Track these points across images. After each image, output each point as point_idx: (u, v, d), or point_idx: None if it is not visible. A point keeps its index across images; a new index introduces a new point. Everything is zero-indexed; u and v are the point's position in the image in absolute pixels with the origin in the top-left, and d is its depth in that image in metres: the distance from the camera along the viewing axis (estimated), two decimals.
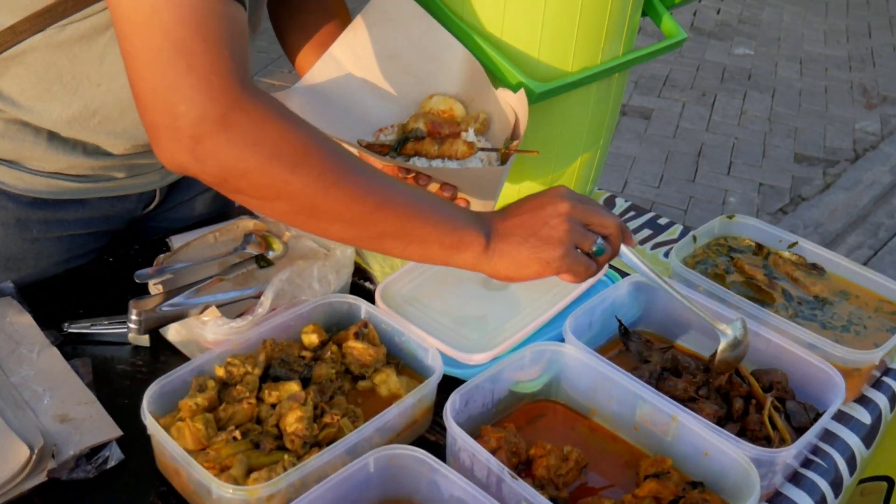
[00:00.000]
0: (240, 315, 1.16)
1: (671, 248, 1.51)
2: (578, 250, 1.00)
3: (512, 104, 1.16)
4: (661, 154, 4.20)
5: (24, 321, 1.20)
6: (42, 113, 1.17)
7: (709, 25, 5.75)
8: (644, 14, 1.47)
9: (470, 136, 1.17)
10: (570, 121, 1.40)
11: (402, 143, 1.18)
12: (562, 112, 1.37)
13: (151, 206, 1.42)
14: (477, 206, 1.16)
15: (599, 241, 1.01)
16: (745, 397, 1.16)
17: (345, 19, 1.32)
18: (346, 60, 1.19)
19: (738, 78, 5.05)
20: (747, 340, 1.12)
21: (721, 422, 1.09)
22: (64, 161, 1.24)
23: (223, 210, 1.54)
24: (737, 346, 1.11)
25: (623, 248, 1.05)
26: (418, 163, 1.15)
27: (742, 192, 3.94)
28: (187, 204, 1.49)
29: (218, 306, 1.13)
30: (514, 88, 1.26)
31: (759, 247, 1.43)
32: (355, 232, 0.95)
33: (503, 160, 1.17)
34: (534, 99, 1.27)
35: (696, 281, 1.29)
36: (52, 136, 1.21)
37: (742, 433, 1.10)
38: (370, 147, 1.17)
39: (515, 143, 1.16)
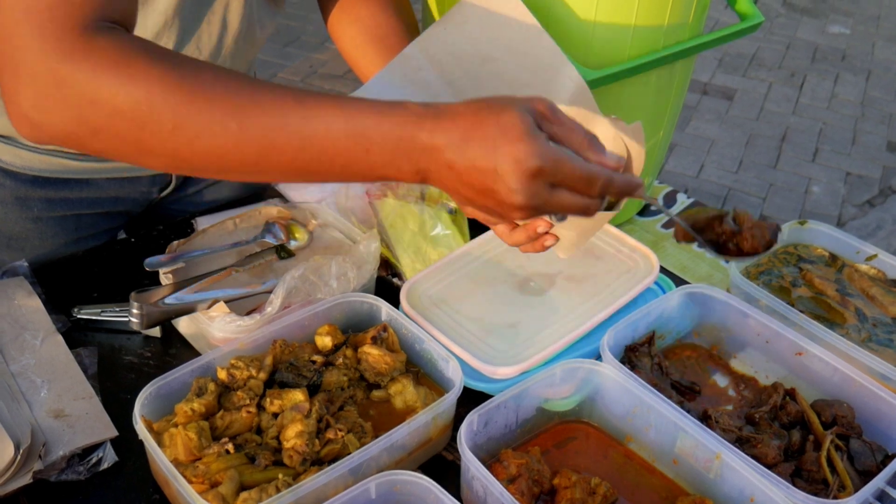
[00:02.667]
0: (250, 312, 1.08)
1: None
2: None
3: (624, 136, 0.98)
4: (743, 137, 3.99)
5: (32, 304, 1.14)
6: None
7: (802, 2, 5.44)
8: None
9: None
10: (627, 111, 1.28)
11: None
12: (617, 100, 1.25)
13: (169, 190, 1.36)
14: (566, 245, 0.96)
15: (554, 218, 0.90)
16: (803, 429, 1.03)
17: (408, 17, 1.23)
18: (429, 59, 1.02)
19: (831, 58, 4.76)
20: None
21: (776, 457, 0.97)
22: None
23: (256, 192, 1.46)
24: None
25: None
26: None
27: (827, 182, 3.71)
28: (213, 187, 1.42)
29: (226, 301, 1.06)
30: None
31: (833, 257, 1.29)
32: (251, 178, 0.84)
33: (611, 203, 0.96)
34: None
35: (757, 294, 1.16)
36: None
37: (797, 473, 0.98)
38: None
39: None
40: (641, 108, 1.29)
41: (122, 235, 1.43)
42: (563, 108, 1.00)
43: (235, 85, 0.79)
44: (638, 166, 0.94)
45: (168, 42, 1.09)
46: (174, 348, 1.14)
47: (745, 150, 3.89)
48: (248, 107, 0.78)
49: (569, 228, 0.93)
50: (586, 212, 0.83)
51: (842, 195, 3.64)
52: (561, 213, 0.84)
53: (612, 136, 0.96)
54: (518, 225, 0.94)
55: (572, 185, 0.80)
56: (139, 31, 1.05)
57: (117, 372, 1.10)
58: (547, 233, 0.93)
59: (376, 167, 0.80)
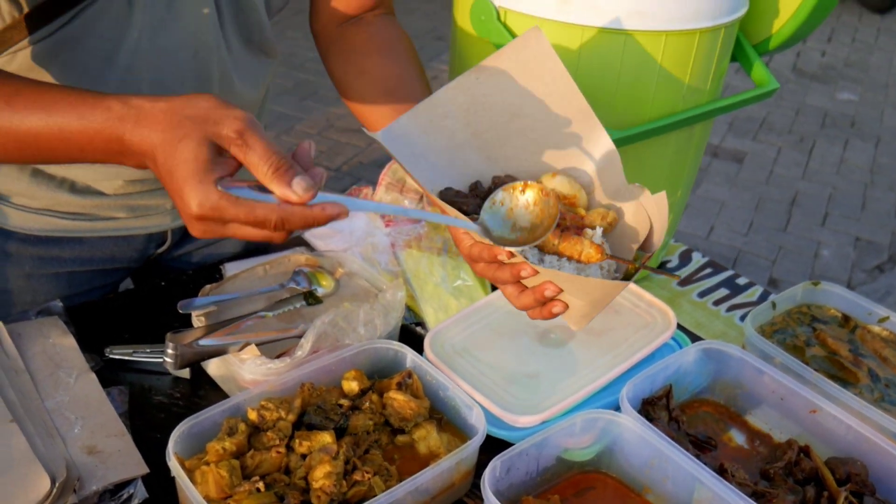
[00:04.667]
0: (280, 355, 1.11)
1: (748, 312, 1.41)
2: None
3: (646, 206, 0.96)
4: (752, 200, 4.04)
5: (66, 343, 1.17)
6: None
7: (812, 68, 5.54)
8: (733, 59, 1.38)
9: (597, 236, 0.96)
10: (647, 170, 1.32)
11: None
12: (638, 160, 1.29)
13: (164, 248, 1.37)
14: (577, 316, 0.95)
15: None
16: (817, 486, 1.05)
17: (418, 70, 1.20)
18: (457, 107, 0.99)
19: (840, 124, 4.84)
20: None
21: None
22: (50, 198, 1.21)
23: (264, 246, 1.49)
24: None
25: None
26: (530, 256, 0.94)
27: (837, 246, 3.74)
28: (212, 245, 1.44)
29: (257, 344, 1.09)
30: None
31: (846, 318, 1.32)
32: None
33: (627, 274, 0.96)
34: None
35: (772, 353, 1.19)
36: (36, 172, 1.18)
37: None
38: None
39: (648, 256, 0.95)
40: (660, 168, 1.33)
41: (129, 286, 1.47)
42: (590, 173, 1.01)
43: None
44: (659, 236, 0.94)
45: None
46: (203, 390, 1.17)
47: (755, 213, 3.94)
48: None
49: (577, 297, 0.92)
50: (271, 240, 0.82)
51: (851, 260, 3.67)
52: (244, 239, 0.83)
53: (634, 205, 0.98)
54: (526, 287, 0.93)
55: (245, 223, 0.79)
56: (104, 88, 1.04)
57: (147, 411, 1.13)
58: (555, 298, 0.92)
59: (99, 159, 0.85)
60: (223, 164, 0.79)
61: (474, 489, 1.07)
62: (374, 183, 1.49)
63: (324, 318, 1.09)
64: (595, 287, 0.90)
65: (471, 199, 0.98)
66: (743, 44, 1.39)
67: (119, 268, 1.38)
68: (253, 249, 1.47)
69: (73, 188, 1.21)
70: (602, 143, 1.01)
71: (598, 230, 0.96)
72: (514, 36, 1.21)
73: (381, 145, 0.93)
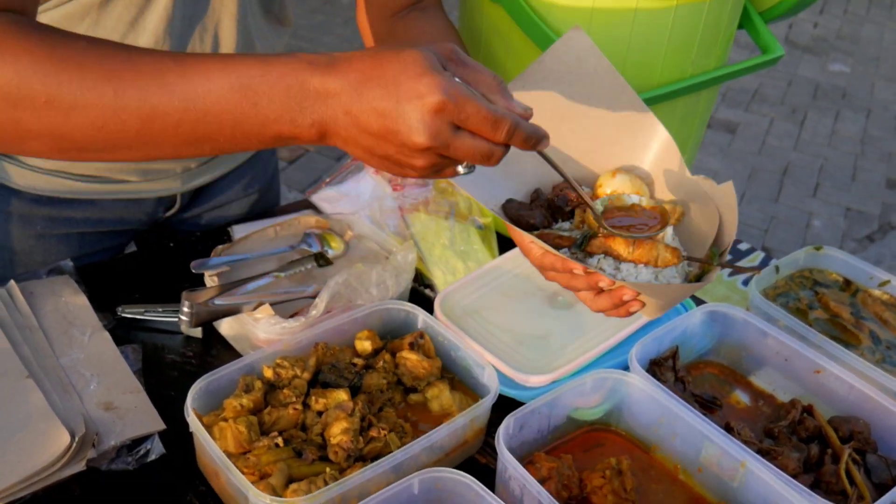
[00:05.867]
0: (293, 315, 1.13)
1: (751, 277, 1.43)
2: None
3: (716, 198, 0.93)
4: (745, 170, 4.06)
5: (79, 302, 1.18)
6: None
7: (804, 39, 5.54)
8: (740, 26, 1.39)
9: (669, 236, 0.93)
10: None
11: (588, 239, 0.94)
12: None
13: (174, 210, 1.38)
14: (651, 309, 0.93)
15: (462, 169, 0.81)
16: (821, 444, 1.08)
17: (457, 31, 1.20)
18: None
19: (832, 96, 4.85)
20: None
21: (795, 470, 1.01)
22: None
23: (270, 210, 1.51)
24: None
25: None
26: (606, 267, 0.92)
27: (828, 216, 3.78)
28: (220, 209, 1.44)
29: (271, 304, 1.10)
30: None
31: (847, 282, 1.34)
32: (142, 153, 0.79)
33: (702, 271, 0.94)
34: None
35: (776, 315, 1.21)
36: None
37: (816, 484, 1.02)
38: (544, 237, 0.95)
39: (725, 251, 0.92)
40: None
41: (132, 249, 1.47)
42: (648, 167, 1.00)
43: (110, 51, 0.76)
44: (731, 230, 0.91)
45: None
46: (215, 349, 1.18)
47: (748, 184, 3.96)
48: (123, 71, 0.74)
49: (654, 298, 0.91)
50: (489, 159, 0.78)
51: (842, 230, 3.70)
52: (463, 159, 0.78)
53: (700, 197, 0.95)
54: (601, 290, 0.91)
55: (476, 127, 0.75)
56: None
57: (161, 369, 1.14)
58: (634, 300, 0.91)
59: (268, 122, 0.75)
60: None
61: (485, 447, 1.09)
62: None
63: (337, 279, 1.10)
64: (672, 291, 0.91)
65: (535, 211, 0.98)
66: (749, 11, 1.39)
67: (128, 229, 1.38)
68: (258, 213, 1.48)
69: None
70: (659, 135, 0.99)
71: (670, 230, 0.94)
72: (525, 4, 1.22)
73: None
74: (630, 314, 0.93)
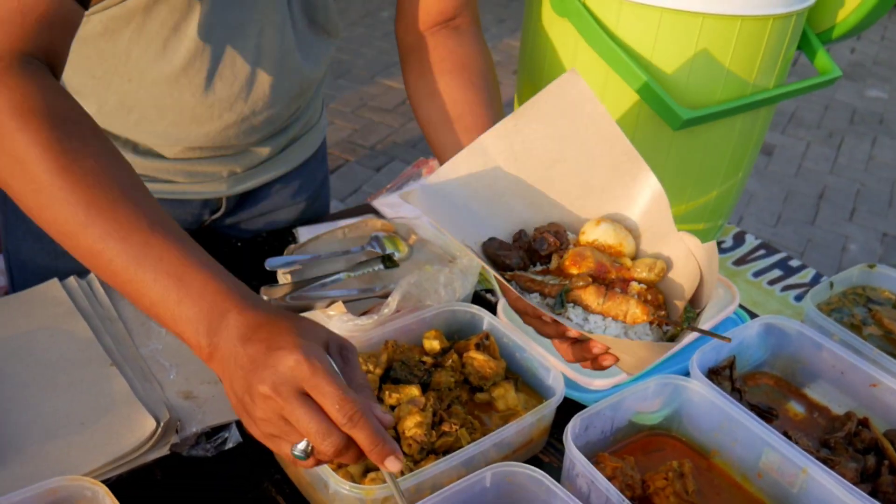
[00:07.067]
0: (363, 313, 1.16)
1: (802, 292, 1.46)
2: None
3: (697, 255, 0.90)
4: (781, 193, 4.07)
5: None
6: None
7: (842, 64, 5.55)
8: (798, 48, 1.42)
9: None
10: (711, 151, 1.37)
11: (567, 293, 0.92)
12: (704, 141, 1.34)
13: (218, 214, 1.41)
14: (628, 366, 0.93)
15: (301, 445, 0.75)
16: (877, 455, 1.10)
17: (490, 94, 1.16)
18: (497, 154, 0.97)
19: (869, 121, 4.86)
20: None
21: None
22: None
23: (319, 216, 1.53)
24: None
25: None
26: (573, 317, 0.91)
27: (864, 241, 3.78)
28: (266, 215, 1.47)
29: (344, 302, 1.14)
30: (660, 112, 1.24)
31: None
32: (96, 272, 0.84)
33: (672, 336, 0.92)
34: (678, 125, 1.24)
35: (832, 329, 1.23)
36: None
37: (873, 494, 1.04)
38: (517, 279, 0.94)
39: (699, 313, 0.91)
40: (725, 149, 1.37)
41: None
42: (636, 218, 0.98)
43: (106, 182, 0.81)
44: (710, 289, 0.90)
45: (201, 68, 1.14)
46: None
47: (784, 206, 3.97)
48: (101, 211, 0.80)
49: (625, 354, 0.90)
50: (324, 439, 0.73)
51: (878, 255, 3.70)
52: (299, 428, 0.73)
53: (683, 254, 0.93)
54: (577, 341, 0.92)
55: (322, 398, 0.72)
56: (173, 58, 1.12)
57: None
58: (606, 354, 0.91)
59: (180, 321, 0.79)
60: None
61: (547, 447, 1.12)
62: (408, 162, 1.53)
63: (409, 279, 1.14)
64: (639, 347, 0.88)
65: (514, 252, 0.96)
66: (807, 32, 1.42)
67: None
68: (305, 221, 1.50)
69: (136, 149, 1.25)
70: (649, 186, 0.97)
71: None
72: (592, 16, 1.26)
73: (417, 202, 0.92)
74: (604, 368, 0.92)
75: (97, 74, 1.16)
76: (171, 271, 0.79)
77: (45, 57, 0.88)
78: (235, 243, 1.42)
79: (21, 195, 0.83)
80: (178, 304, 0.78)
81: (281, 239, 1.43)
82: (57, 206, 0.81)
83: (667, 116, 1.24)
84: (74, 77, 1.17)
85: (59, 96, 0.85)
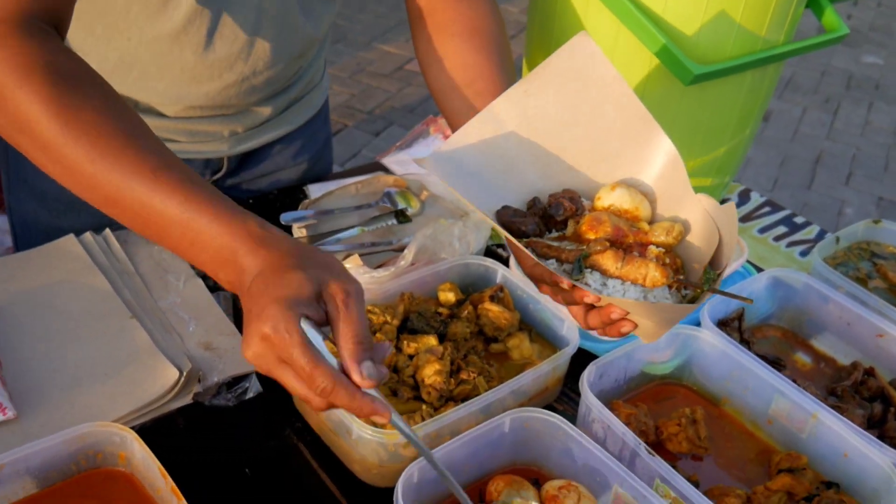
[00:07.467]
0: (379, 266, 1.18)
1: (808, 248, 1.48)
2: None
3: (715, 216, 0.89)
4: (778, 157, 4.08)
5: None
6: None
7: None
8: (806, 6, 1.43)
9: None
10: (720, 108, 1.38)
11: (585, 258, 0.89)
12: (714, 98, 1.35)
13: (220, 175, 1.41)
14: (648, 332, 0.91)
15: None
16: (883, 403, 1.13)
17: (502, 57, 1.14)
18: (509, 121, 0.95)
19: (865, 87, 4.86)
20: None
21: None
22: None
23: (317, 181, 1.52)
24: None
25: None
26: (591, 282, 0.89)
27: (860, 205, 3.80)
28: (266, 177, 1.47)
29: (360, 255, 1.15)
30: (672, 67, 1.25)
31: None
32: (113, 217, 0.86)
33: (695, 295, 0.90)
34: (690, 80, 1.25)
35: (838, 281, 1.25)
36: None
37: (880, 439, 1.07)
38: (533, 245, 0.91)
39: (719, 274, 0.88)
40: (734, 106, 1.38)
41: None
42: (652, 182, 0.95)
43: (108, 131, 0.82)
44: (730, 250, 0.88)
45: (201, 26, 1.14)
46: None
47: (780, 170, 3.99)
48: (107, 159, 0.82)
49: (645, 318, 0.88)
50: (305, 399, 0.76)
51: (873, 218, 3.72)
52: (284, 384, 0.76)
53: (701, 217, 0.91)
54: (594, 306, 0.90)
55: (295, 370, 0.74)
56: (173, 15, 1.11)
57: None
58: (624, 319, 0.89)
59: (197, 262, 0.82)
60: (315, 309, 0.76)
61: (561, 396, 1.14)
62: (406, 127, 1.53)
63: (425, 232, 1.16)
64: (660, 310, 0.86)
65: (529, 219, 0.94)
66: None
67: None
68: (309, 182, 1.50)
69: (137, 108, 1.25)
70: (664, 149, 0.95)
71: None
72: None
73: (432, 169, 0.91)
74: (623, 335, 0.90)
75: (97, 32, 1.16)
76: (176, 218, 0.81)
77: (48, 18, 0.89)
78: (247, 200, 1.42)
79: (29, 152, 0.85)
80: (192, 247, 0.81)
81: (292, 196, 1.44)
82: (63, 161, 0.83)
83: (678, 71, 1.24)
84: (75, 35, 1.17)
85: (61, 53, 0.86)
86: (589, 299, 0.88)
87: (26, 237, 1.39)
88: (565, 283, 0.88)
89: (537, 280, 0.95)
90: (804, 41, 1.35)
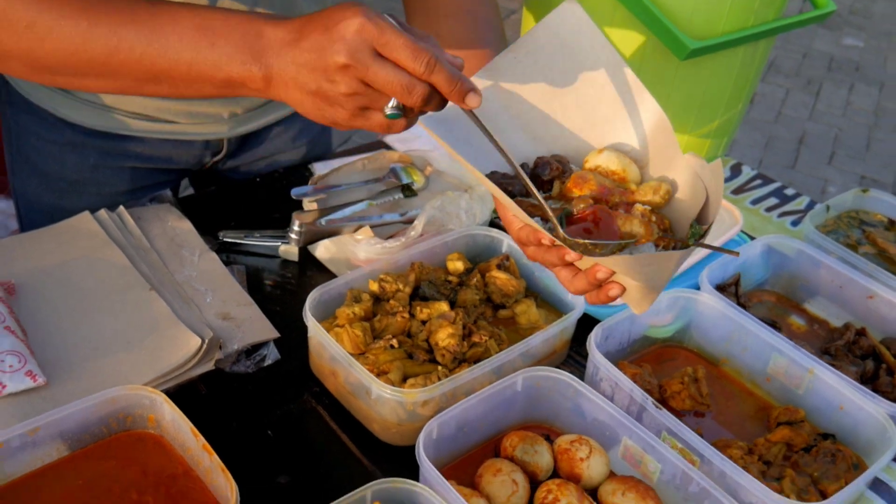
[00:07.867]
0: (389, 237, 1.22)
1: (798, 218, 1.53)
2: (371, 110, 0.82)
3: (703, 175, 0.90)
4: (762, 139, 4.15)
5: (184, 226, 1.27)
6: None
7: None
8: None
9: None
10: (714, 82, 1.42)
11: (568, 216, 0.88)
12: (708, 73, 1.39)
13: (220, 156, 1.42)
14: (636, 298, 0.89)
15: (392, 104, 0.80)
16: (875, 361, 1.18)
17: (495, 34, 1.14)
18: (496, 89, 0.95)
19: (846, 69, 4.93)
20: None
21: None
22: (116, 95, 1.25)
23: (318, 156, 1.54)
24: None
25: (424, 119, 0.85)
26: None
27: (843, 183, 3.87)
28: (267, 159, 1.49)
29: (371, 227, 1.19)
30: (668, 43, 1.29)
31: (892, 222, 1.43)
32: (107, 83, 0.87)
33: (681, 244, 0.89)
34: (685, 55, 1.29)
35: (830, 247, 1.30)
36: None
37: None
38: (519, 204, 0.88)
39: (706, 229, 0.88)
40: (726, 80, 1.43)
41: (188, 191, 1.55)
42: (641, 147, 0.95)
43: None
44: (715, 207, 0.88)
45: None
46: (310, 271, 1.28)
47: (765, 151, 4.05)
48: (99, 5, 0.82)
49: (631, 276, 0.86)
50: (410, 93, 0.77)
51: (862, 188, 3.79)
52: (383, 89, 0.78)
53: (690, 177, 0.91)
54: (579, 270, 0.89)
55: (396, 55, 0.76)
56: None
57: (262, 288, 1.23)
58: (610, 281, 0.87)
59: (221, 64, 0.81)
60: None
61: (568, 359, 1.18)
62: None
63: (434, 203, 1.19)
64: (645, 263, 0.83)
65: (516, 181, 0.93)
66: None
67: (177, 169, 1.43)
68: (310, 159, 1.52)
69: None
70: (652, 113, 0.95)
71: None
72: None
73: (426, 127, 0.90)
74: (611, 299, 0.88)
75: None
76: (190, 25, 0.81)
77: None
78: (255, 178, 1.46)
79: (16, 42, 0.84)
80: (213, 48, 0.81)
81: (298, 175, 1.47)
82: (55, 27, 0.82)
83: (674, 46, 1.29)
84: None
85: None
86: (570, 257, 0.85)
87: (31, 218, 1.41)
88: (546, 239, 0.86)
89: (523, 244, 0.93)
90: (794, 17, 1.40)
